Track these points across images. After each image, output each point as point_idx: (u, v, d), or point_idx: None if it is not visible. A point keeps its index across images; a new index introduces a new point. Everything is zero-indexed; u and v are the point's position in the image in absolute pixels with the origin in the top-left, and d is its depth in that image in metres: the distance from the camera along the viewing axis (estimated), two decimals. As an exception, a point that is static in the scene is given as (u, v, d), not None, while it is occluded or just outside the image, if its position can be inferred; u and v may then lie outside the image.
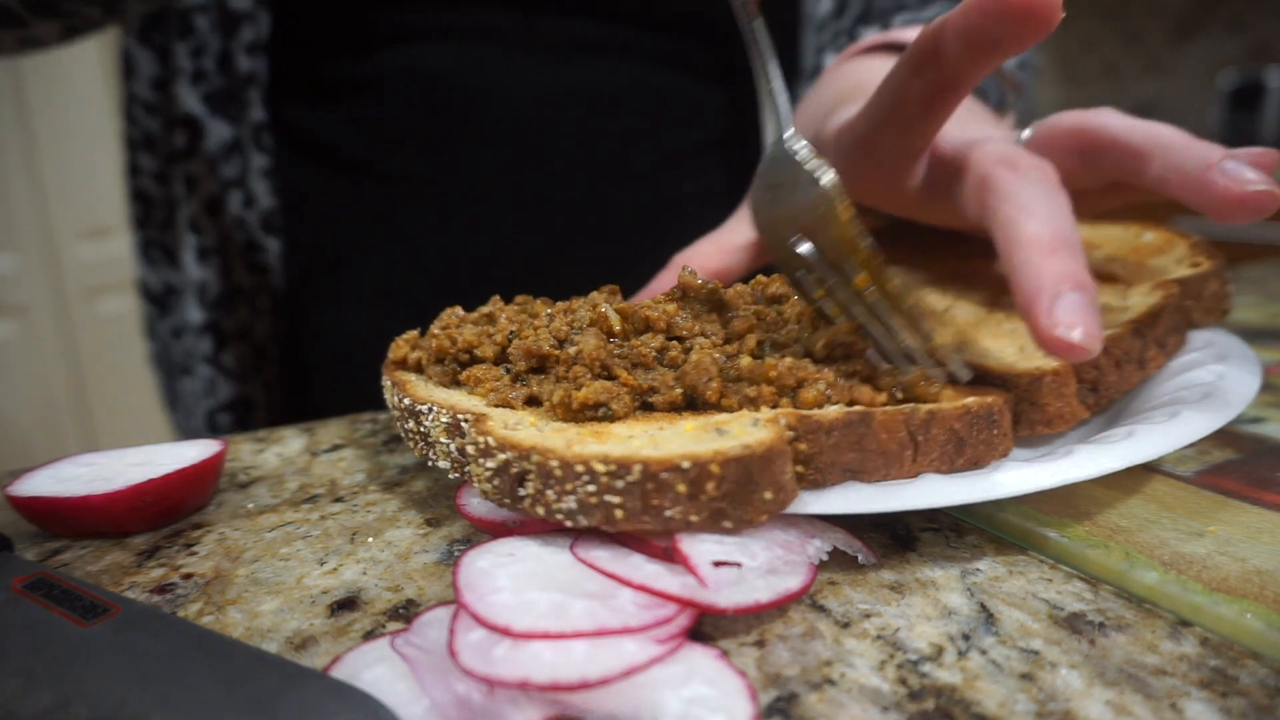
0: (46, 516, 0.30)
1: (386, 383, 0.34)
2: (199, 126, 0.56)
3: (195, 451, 0.32)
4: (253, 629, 0.24)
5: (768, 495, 0.24)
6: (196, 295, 0.59)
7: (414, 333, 0.37)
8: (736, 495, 0.24)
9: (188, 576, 0.27)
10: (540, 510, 0.25)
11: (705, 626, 0.24)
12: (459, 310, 0.37)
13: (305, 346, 0.61)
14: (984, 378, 0.32)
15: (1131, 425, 0.30)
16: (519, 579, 0.23)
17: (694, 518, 0.24)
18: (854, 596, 0.25)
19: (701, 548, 0.24)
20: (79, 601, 0.24)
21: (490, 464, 0.26)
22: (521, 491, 0.25)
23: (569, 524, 0.25)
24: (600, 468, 0.24)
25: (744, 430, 0.25)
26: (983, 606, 0.24)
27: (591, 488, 0.24)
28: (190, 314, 0.62)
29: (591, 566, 0.24)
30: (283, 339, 0.61)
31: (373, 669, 0.21)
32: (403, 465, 0.36)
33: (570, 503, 0.24)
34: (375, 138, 0.57)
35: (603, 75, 0.58)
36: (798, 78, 0.62)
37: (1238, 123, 2.14)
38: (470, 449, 0.27)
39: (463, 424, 0.28)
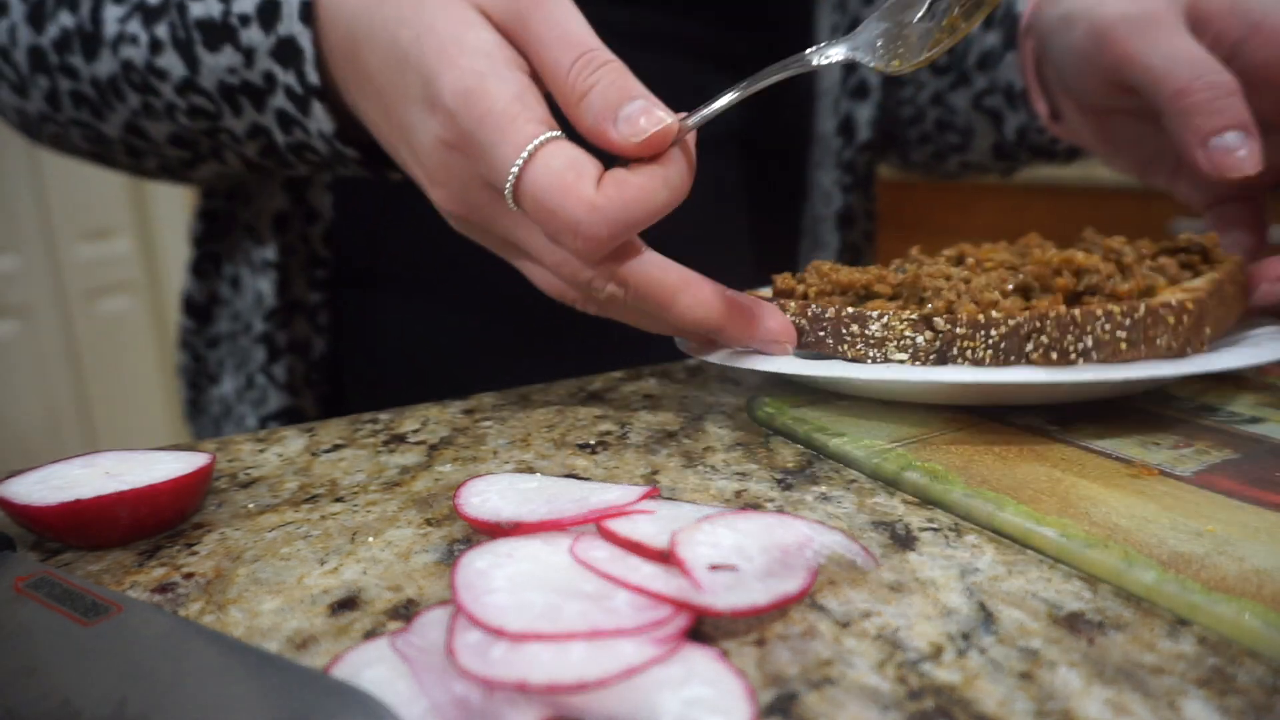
0: (28, 521, 0.29)
1: (792, 302, 0.38)
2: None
3: (178, 465, 0.31)
4: (253, 628, 0.24)
5: (1207, 331, 0.33)
6: (253, 307, 0.59)
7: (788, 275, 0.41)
8: (1191, 331, 0.33)
9: (189, 576, 0.27)
10: (1053, 356, 0.32)
11: (705, 626, 0.24)
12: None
13: (352, 354, 0.61)
14: None
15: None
16: (516, 580, 0.23)
17: (1173, 344, 0.32)
18: (854, 596, 0.25)
19: (697, 551, 0.24)
20: (81, 601, 0.24)
21: (996, 332, 0.33)
22: (1028, 347, 0.32)
23: (1076, 360, 0.32)
24: (1116, 309, 0.32)
25: (1194, 284, 0.36)
26: (982, 606, 0.24)
27: (1106, 326, 0.32)
28: (222, 325, 0.63)
29: (589, 568, 0.24)
30: (334, 352, 0.61)
31: (373, 668, 0.21)
32: (403, 465, 0.36)
33: (1087, 342, 0.32)
34: None
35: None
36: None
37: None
38: (961, 330, 0.33)
39: (935, 318, 0.34)
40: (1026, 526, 0.28)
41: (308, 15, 0.40)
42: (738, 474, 0.34)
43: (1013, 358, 0.32)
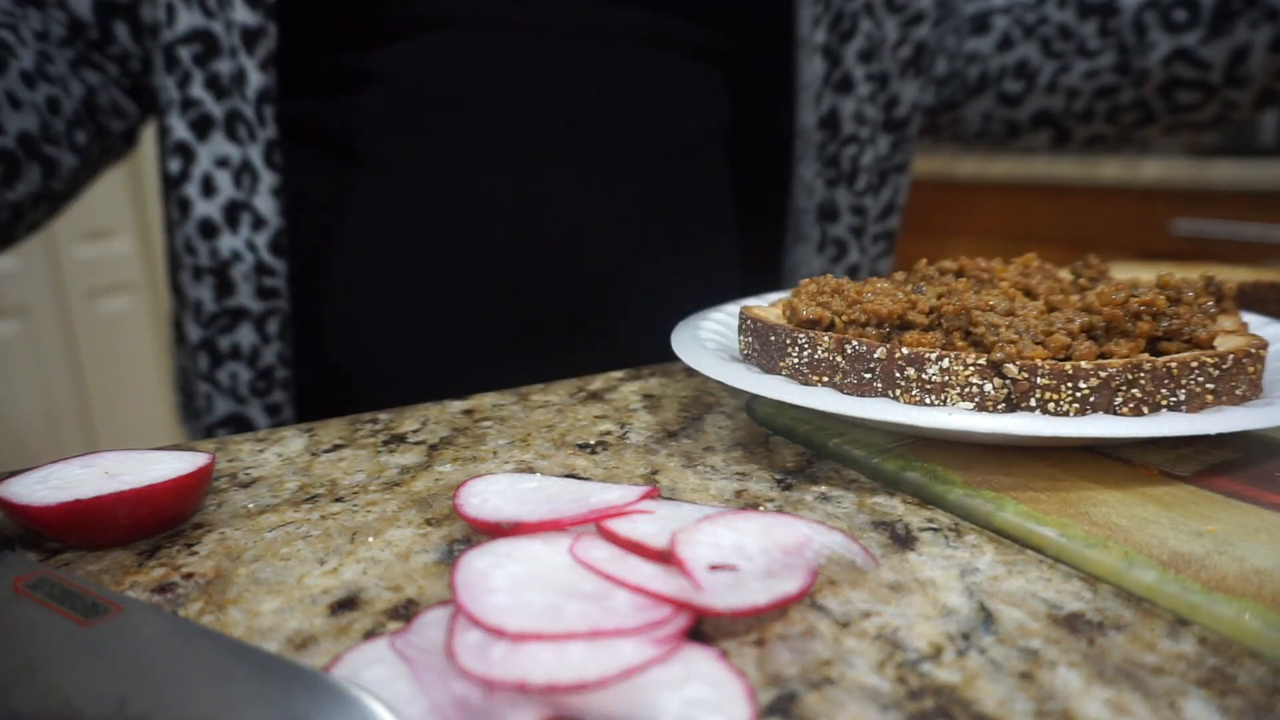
0: (27, 521, 0.29)
1: (828, 338, 0.34)
2: (190, 152, 0.56)
3: (178, 465, 0.31)
4: (253, 628, 0.24)
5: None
6: (193, 314, 0.59)
7: (812, 300, 0.37)
8: (1259, 377, 0.32)
9: (188, 576, 0.27)
10: (1145, 409, 0.30)
11: (705, 627, 0.24)
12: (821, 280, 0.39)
13: (322, 357, 0.61)
14: None
15: None
16: (516, 580, 0.23)
17: (1249, 393, 0.32)
18: (853, 596, 0.25)
19: (697, 551, 0.24)
20: (80, 601, 0.24)
21: (1086, 385, 0.30)
22: (1117, 400, 0.30)
23: (1161, 410, 0.31)
24: (1208, 359, 0.31)
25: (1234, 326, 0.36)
26: (982, 606, 0.24)
27: (1199, 379, 0.30)
28: (190, 334, 0.62)
29: (589, 567, 0.24)
30: (294, 359, 0.61)
31: (373, 668, 0.21)
32: (403, 465, 0.36)
33: (1180, 395, 0.31)
34: (380, 129, 0.57)
35: (611, 63, 0.58)
36: (795, 47, 0.62)
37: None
38: (1043, 380, 0.30)
39: (1007, 365, 0.31)
40: (1026, 526, 0.28)
41: None
42: (738, 474, 0.34)
43: (1100, 410, 0.30)
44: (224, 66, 0.54)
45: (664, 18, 0.59)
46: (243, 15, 0.52)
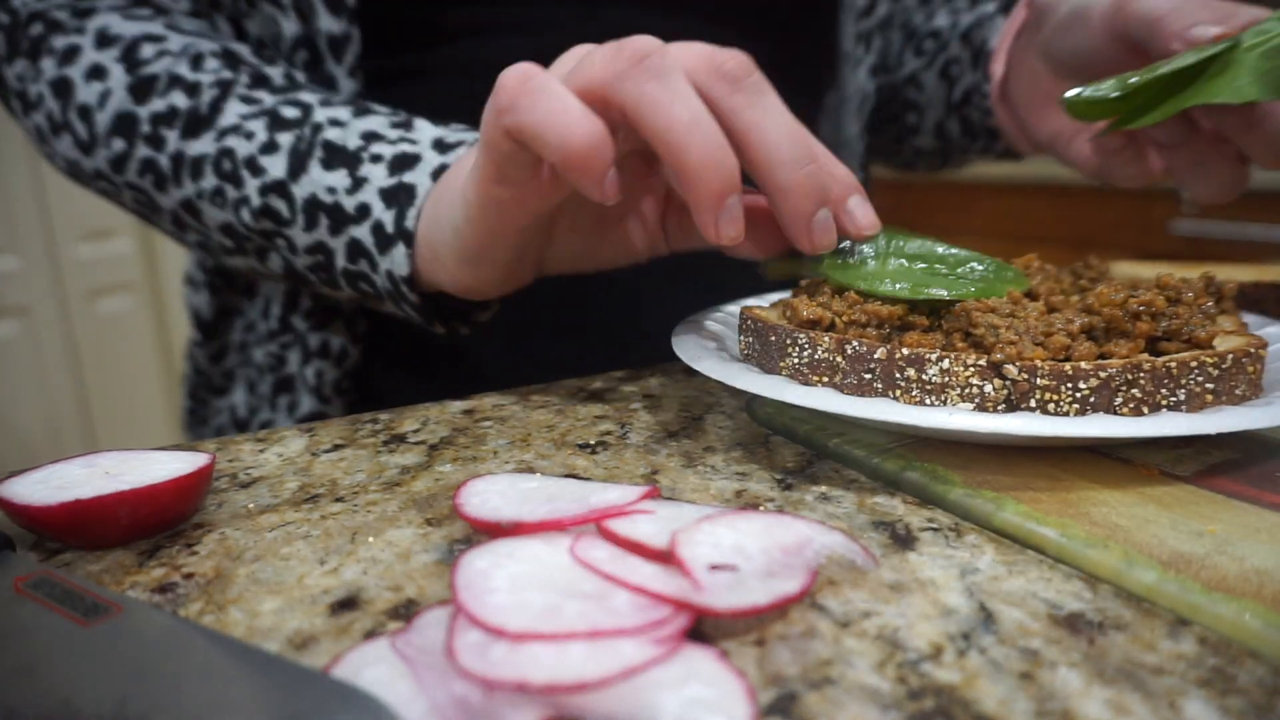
0: (28, 521, 0.29)
1: (828, 338, 0.34)
2: None
3: (179, 465, 0.31)
4: (253, 628, 0.24)
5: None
6: (286, 309, 0.59)
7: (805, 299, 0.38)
8: (1259, 376, 0.33)
9: (189, 576, 0.28)
10: (1145, 410, 0.31)
11: (705, 627, 0.24)
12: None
13: (381, 356, 0.61)
14: None
15: None
16: (516, 579, 0.23)
17: (1249, 392, 0.32)
18: (854, 596, 0.25)
19: (697, 551, 0.24)
20: (80, 601, 0.24)
21: (1086, 385, 0.30)
22: (1116, 400, 0.30)
23: (1161, 410, 0.31)
24: (1208, 359, 0.31)
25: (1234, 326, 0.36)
26: (982, 606, 0.24)
27: (1199, 378, 0.31)
28: (234, 336, 0.62)
29: (589, 567, 0.24)
30: (366, 360, 0.61)
31: (373, 668, 0.21)
32: (403, 465, 0.36)
33: (1180, 395, 0.31)
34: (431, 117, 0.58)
35: None
36: (838, 62, 0.63)
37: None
38: (1043, 380, 0.30)
39: (1007, 366, 0.31)
40: (1026, 526, 0.28)
41: (437, 175, 0.42)
42: (738, 474, 0.34)
43: (1100, 410, 0.30)
44: (320, 74, 0.54)
45: (712, 27, 0.59)
46: (328, 23, 0.52)
